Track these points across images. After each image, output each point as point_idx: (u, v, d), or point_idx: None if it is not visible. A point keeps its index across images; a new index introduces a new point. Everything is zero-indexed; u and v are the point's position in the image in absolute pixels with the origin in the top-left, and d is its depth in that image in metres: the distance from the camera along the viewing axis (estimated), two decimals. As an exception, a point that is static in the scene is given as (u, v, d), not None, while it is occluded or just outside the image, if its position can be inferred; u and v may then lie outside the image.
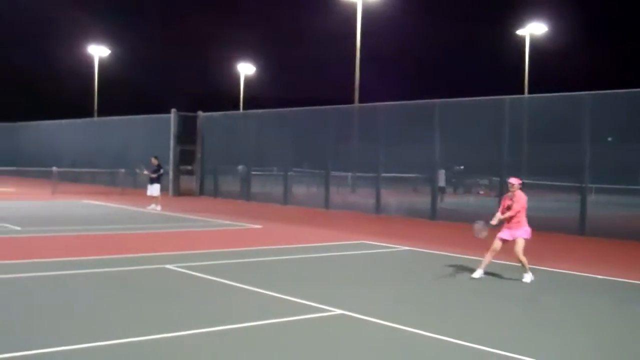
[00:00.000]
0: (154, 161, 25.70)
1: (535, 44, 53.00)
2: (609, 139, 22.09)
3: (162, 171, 25.92)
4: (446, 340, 7.84)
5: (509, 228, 11.75)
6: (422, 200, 24.69)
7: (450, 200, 25.98)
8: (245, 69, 70.08)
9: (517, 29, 52.93)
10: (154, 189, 25.04)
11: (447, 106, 23.94)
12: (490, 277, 12.25)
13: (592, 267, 13.48)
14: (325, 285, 11.08)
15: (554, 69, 69.72)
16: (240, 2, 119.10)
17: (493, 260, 12.03)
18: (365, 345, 7.77)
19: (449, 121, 23.48)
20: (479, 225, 12.14)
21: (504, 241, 11.77)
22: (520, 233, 11.69)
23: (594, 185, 20.46)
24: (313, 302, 9.52)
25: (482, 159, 24.23)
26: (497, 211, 11.95)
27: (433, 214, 23.61)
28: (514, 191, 11.76)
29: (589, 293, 11.28)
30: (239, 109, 61.82)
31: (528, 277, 11.75)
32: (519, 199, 11.69)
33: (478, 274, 11.90)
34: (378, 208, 25.45)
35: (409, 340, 7.97)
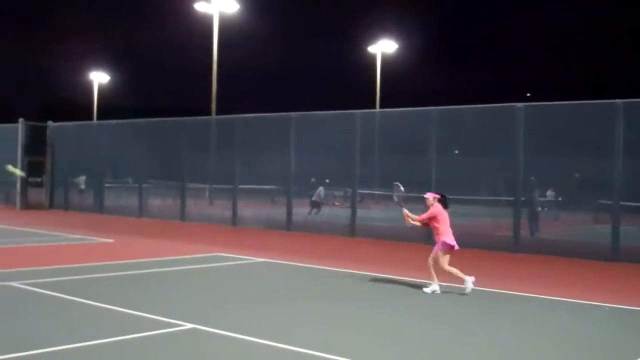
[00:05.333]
0: None
1: (387, 60, 54.96)
2: (456, 151, 23.23)
3: None
4: (299, 352, 7.98)
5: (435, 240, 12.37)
6: (278, 211, 24.95)
7: (305, 211, 26.37)
8: (99, 78, 68.09)
9: (368, 46, 54.69)
10: None
11: (303, 119, 24.37)
12: (346, 286, 12.60)
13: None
14: (177, 300, 10.99)
15: (404, 85, 72.48)
16: (94, 9, 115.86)
17: (352, 271, 12.32)
18: (216, 358, 7.79)
19: (305, 134, 23.92)
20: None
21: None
22: (437, 246, 12.21)
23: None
24: (164, 317, 9.43)
25: (337, 171, 24.82)
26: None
27: (289, 225, 23.93)
28: (430, 205, 12.38)
29: (436, 299, 11.79)
30: (92, 118, 60.02)
31: (429, 289, 12.07)
32: (431, 210, 12.31)
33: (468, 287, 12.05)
34: (235, 220, 25.50)
35: (262, 353, 8.06)
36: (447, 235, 12.22)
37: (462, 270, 12.15)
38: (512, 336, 9.23)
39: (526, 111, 19.17)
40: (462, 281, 12.04)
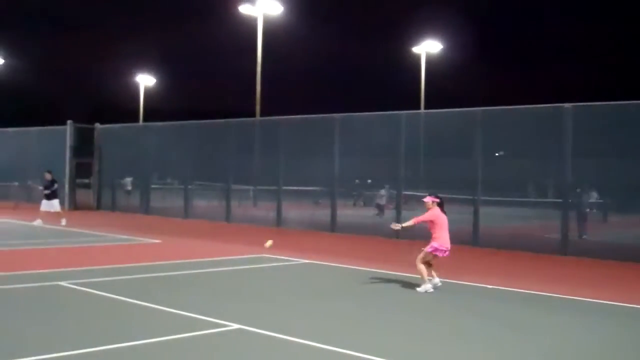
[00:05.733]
0: (48, 176, 24.94)
1: (431, 61, 54.60)
2: (500, 152, 22.95)
3: (56, 186, 25.10)
4: (345, 353, 7.94)
5: None
6: (322, 212, 24.94)
7: (349, 213, 26.29)
8: (145, 80, 68.97)
9: (413, 46, 54.38)
10: (53, 204, 24.30)
11: (347, 120, 24.32)
12: (392, 289, 12.54)
13: (485, 278, 13.93)
14: (223, 300, 11.05)
15: (449, 85, 71.91)
16: (140, 12, 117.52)
17: (398, 273, 12.33)
18: (260, 359, 7.80)
19: (349, 135, 23.88)
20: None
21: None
22: (428, 246, 12.25)
23: (486, 198, 21.19)
24: (210, 317, 9.48)
25: (381, 172, 24.70)
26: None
27: (333, 226, 23.90)
28: (429, 208, 12.39)
29: (485, 301, 11.65)
30: (138, 121, 60.79)
31: (422, 288, 12.09)
32: (430, 212, 12.33)
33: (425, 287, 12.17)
34: (279, 221, 25.57)
35: (307, 353, 8.05)
36: (441, 240, 12.24)
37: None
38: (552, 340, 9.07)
39: (574, 112, 18.85)
40: (422, 282, 12.16)
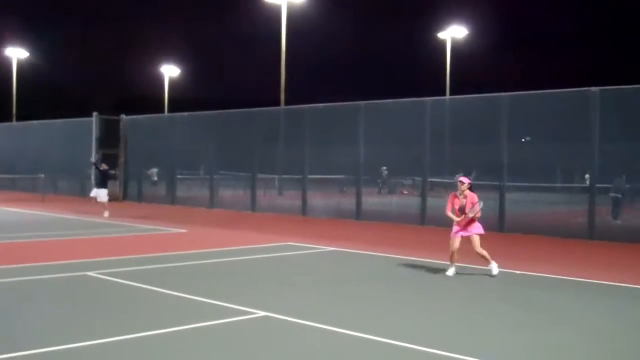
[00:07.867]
0: (104, 165, 25.30)
1: (456, 46, 54.18)
2: (527, 138, 22.76)
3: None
4: (372, 339, 7.94)
5: (463, 226, 12.12)
6: (348, 201, 24.93)
7: (373, 200, 26.23)
8: (169, 71, 69.27)
9: (438, 32, 54.01)
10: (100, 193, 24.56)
11: (371, 108, 24.23)
12: (419, 275, 12.50)
13: (512, 263, 13.83)
14: (250, 288, 11.09)
15: (474, 71, 71.23)
16: (164, 3, 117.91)
17: (424, 260, 12.30)
18: (289, 346, 7.80)
19: (373, 122, 23.79)
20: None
21: (461, 238, 12.19)
22: (475, 229, 12.11)
23: (512, 184, 21.02)
24: (237, 305, 9.51)
25: (406, 159, 24.61)
26: (446, 209, 12.35)
27: (358, 214, 23.87)
28: (464, 190, 12.09)
29: (513, 286, 11.57)
30: (163, 111, 61.06)
31: (495, 268, 12.19)
32: (474, 200, 12.03)
33: (451, 272, 12.24)
34: (304, 210, 25.58)
35: (334, 340, 8.05)
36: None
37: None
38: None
39: (601, 96, 18.60)
40: (490, 262, 12.22)
